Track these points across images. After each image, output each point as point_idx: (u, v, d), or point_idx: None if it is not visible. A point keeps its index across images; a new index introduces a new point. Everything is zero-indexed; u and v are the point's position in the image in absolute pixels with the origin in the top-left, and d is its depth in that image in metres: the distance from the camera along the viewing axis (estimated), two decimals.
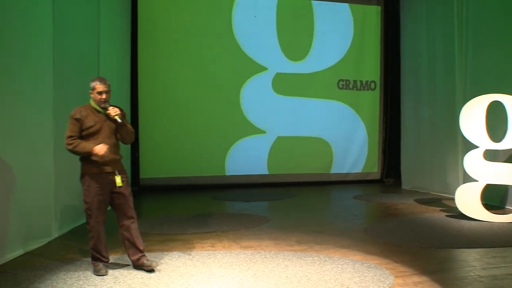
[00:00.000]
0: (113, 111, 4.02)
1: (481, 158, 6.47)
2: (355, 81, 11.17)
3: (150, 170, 9.90)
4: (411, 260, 4.47)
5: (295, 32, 10.76)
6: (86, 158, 3.99)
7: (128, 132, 4.19)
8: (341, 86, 11.08)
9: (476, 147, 6.54)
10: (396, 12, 11.02)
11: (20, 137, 4.77)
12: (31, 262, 4.47)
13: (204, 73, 10.21)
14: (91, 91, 4.06)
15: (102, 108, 4.05)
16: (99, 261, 4.12)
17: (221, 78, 10.30)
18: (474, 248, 4.96)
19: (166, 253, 4.77)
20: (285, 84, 10.68)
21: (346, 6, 11.06)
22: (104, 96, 4.03)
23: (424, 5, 9.63)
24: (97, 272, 4.04)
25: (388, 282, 3.79)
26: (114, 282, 3.84)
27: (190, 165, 10.16)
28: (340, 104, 11.06)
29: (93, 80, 4.10)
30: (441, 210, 7.29)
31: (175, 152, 10.01)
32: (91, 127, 3.99)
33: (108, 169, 4.04)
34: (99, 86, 4.04)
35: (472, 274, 4.01)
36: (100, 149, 3.91)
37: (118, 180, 4.05)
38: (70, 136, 3.97)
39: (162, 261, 4.45)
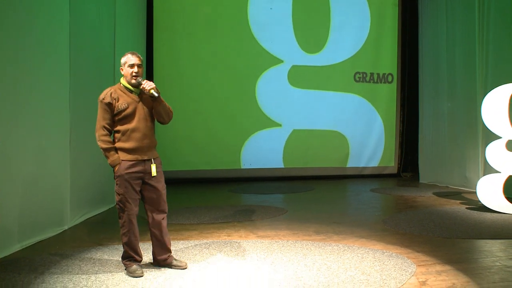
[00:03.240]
0: (147, 85, 3.58)
1: (503, 149, 6.30)
2: (372, 74, 11.02)
3: (165, 164, 9.70)
4: (433, 250, 4.34)
5: (311, 24, 10.65)
6: (119, 143, 3.60)
7: (165, 109, 3.75)
8: (357, 79, 10.93)
9: (499, 138, 6.37)
10: (414, 3, 10.85)
11: (37, 127, 4.74)
12: (47, 249, 4.45)
13: (220, 66, 10.17)
14: (121, 67, 3.66)
15: (134, 85, 3.63)
16: (133, 261, 3.66)
17: (237, 70, 10.25)
18: (498, 239, 4.81)
19: (182, 242, 4.72)
20: (301, 77, 10.58)
21: None
22: (136, 69, 3.61)
23: None
24: (133, 273, 3.56)
25: (410, 270, 3.67)
26: None
27: (206, 158, 10.14)
28: (356, 97, 10.93)
29: (123, 55, 3.67)
30: (461, 203, 7.12)
31: (191, 145, 9.97)
32: (124, 110, 3.57)
33: (144, 156, 3.63)
34: (131, 58, 3.63)
35: (498, 264, 3.87)
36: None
37: (153, 169, 3.66)
38: (103, 127, 3.56)
39: (178, 249, 4.39)
